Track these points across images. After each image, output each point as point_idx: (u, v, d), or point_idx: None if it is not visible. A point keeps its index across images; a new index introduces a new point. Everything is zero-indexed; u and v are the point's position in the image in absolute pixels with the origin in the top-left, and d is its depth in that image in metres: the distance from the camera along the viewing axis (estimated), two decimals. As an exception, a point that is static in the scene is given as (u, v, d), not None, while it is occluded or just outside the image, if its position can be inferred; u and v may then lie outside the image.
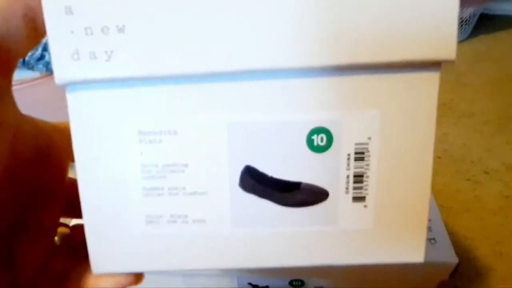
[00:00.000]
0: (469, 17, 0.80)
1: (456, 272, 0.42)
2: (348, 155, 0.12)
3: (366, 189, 0.12)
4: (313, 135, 0.12)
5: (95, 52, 0.11)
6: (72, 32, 0.11)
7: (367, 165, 0.12)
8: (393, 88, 0.11)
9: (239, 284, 0.34)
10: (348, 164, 0.12)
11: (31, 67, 0.40)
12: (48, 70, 0.41)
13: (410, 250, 0.12)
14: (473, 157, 0.55)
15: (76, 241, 0.15)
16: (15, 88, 0.46)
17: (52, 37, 0.11)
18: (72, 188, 0.14)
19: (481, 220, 0.47)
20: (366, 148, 0.12)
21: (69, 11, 0.11)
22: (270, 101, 0.11)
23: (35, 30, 0.11)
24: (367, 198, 0.12)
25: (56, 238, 0.15)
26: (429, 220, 0.33)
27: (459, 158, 0.55)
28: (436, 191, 0.50)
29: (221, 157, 0.12)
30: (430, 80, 0.11)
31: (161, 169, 0.12)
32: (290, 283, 0.34)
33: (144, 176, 0.12)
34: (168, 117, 0.11)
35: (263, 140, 0.12)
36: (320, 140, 0.12)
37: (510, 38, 0.84)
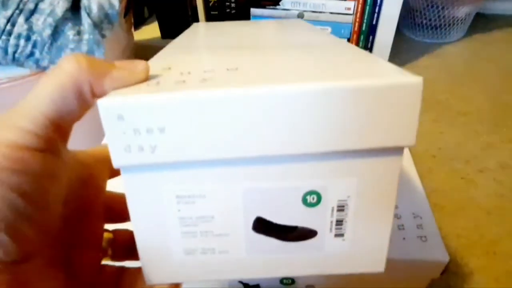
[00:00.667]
0: (465, 16, 0.80)
1: (447, 270, 0.41)
2: (332, 208, 0.16)
3: (345, 229, 0.17)
4: (307, 195, 0.16)
5: (143, 146, 0.15)
6: (124, 133, 0.14)
7: (346, 214, 0.17)
8: (368, 165, 0.16)
9: (230, 283, 0.34)
10: (332, 214, 0.17)
11: (21, 64, 0.40)
12: (38, 67, 0.41)
13: (375, 264, 0.18)
14: (468, 156, 0.55)
15: (120, 243, 0.19)
16: (5, 86, 0.46)
17: (109, 136, 0.15)
18: (109, 199, 0.18)
19: (475, 219, 0.46)
20: (346, 203, 0.16)
21: (121, 118, 0.14)
22: (276, 174, 0.16)
23: (84, 101, 0.15)
24: (345, 234, 0.17)
25: (103, 243, 0.18)
26: (420, 218, 0.33)
27: (454, 156, 0.55)
28: (430, 190, 0.50)
29: (239, 211, 0.16)
30: (395, 159, 0.16)
31: (194, 220, 0.16)
32: (281, 281, 0.34)
33: (181, 225, 0.16)
34: (198, 186, 0.16)
35: (270, 200, 0.16)
36: (312, 199, 0.16)
37: (505, 37, 0.84)
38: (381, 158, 0.15)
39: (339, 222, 0.17)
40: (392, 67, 0.15)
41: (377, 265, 0.18)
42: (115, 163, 0.15)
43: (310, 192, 0.16)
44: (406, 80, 0.14)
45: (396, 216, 0.33)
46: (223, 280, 0.33)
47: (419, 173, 0.37)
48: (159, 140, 0.14)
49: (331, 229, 0.17)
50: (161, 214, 0.16)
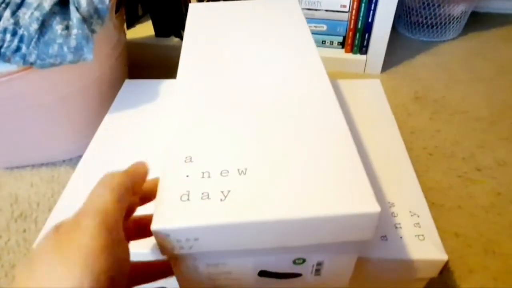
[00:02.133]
0: (460, 15, 0.80)
1: (446, 269, 0.41)
2: (313, 265, 0.24)
3: (321, 272, 0.25)
4: (296, 260, 0.24)
5: (183, 246, 0.20)
6: (170, 241, 0.20)
7: (322, 266, 0.24)
8: (337, 246, 0.23)
9: None
10: (313, 267, 0.24)
11: (7, 59, 0.39)
12: (25, 62, 0.39)
13: (341, 283, 0.26)
14: (465, 154, 0.54)
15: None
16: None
17: (158, 241, 0.20)
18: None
19: (473, 217, 0.46)
20: (322, 262, 0.24)
21: (168, 235, 0.20)
22: (276, 252, 0.23)
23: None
24: (321, 274, 0.25)
25: None
26: (418, 216, 0.32)
27: (451, 154, 0.54)
28: (428, 188, 0.49)
29: (249, 269, 0.24)
30: (357, 242, 0.22)
31: (218, 274, 0.24)
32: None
33: (209, 276, 0.24)
34: (221, 259, 0.23)
35: (271, 263, 0.24)
36: (299, 261, 0.24)
37: (501, 35, 0.84)
38: (347, 242, 0.22)
39: (317, 270, 0.25)
40: (362, 183, 0.22)
41: (343, 284, 0.27)
42: (163, 253, 0.21)
43: (298, 259, 0.24)
44: (366, 210, 0.20)
45: (393, 215, 0.32)
46: None
47: (416, 171, 0.36)
48: (194, 244, 0.20)
49: (311, 273, 0.25)
50: (196, 272, 0.23)
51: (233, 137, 0.25)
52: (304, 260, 0.24)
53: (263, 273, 0.24)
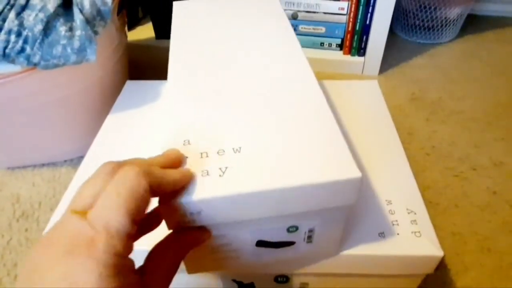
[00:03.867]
0: (457, 17, 0.81)
1: (442, 267, 0.41)
2: (305, 232, 0.26)
3: (312, 239, 0.27)
4: (289, 228, 0.25)
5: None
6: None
7: (313, 233, 0.26)
8: (326, 211, 0.25)
9: (224, 282, 0.34)
10: (305, 234, 0.26)
11: (11, 60, 0.39)
12: (30, 63, 0.40)
13: (332, 252, 0.29)
14: (461, 154, 0.55)
15: None
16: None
17: (165, 216, 0.22)
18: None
19: (469, 216, 0.47)
20: (314, 229, 0.26)
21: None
22: (271, 221, 0.24)
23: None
24: (313, 241, 0.27)
25: None
26: (414, 214, 0.33)
27: (448, 154, 0.55)
28: (425, 187, 0.50)
29: (247, 239, 0.26)
30: (343, 206, 0.24)
31: (218, 246, 0.26)
32: (276, 279, 0.34)
33: (212, 247, 0.26)
34: (221, 231, 0.25)
35: (267, 232, 0.25)
36: (292, 229, 0.26)
37: (496, 37, 0.85)
38: (335, 208, 0.24)
39: (309, 237, 0.27)
40: (344, 154, 0.23)
41: (333, 252, 0.29)
42: (170, 228, 0.23)
43: (292, 226, 0.25)
44: (349, 176, 0.22)
45: (390, 212, 0.33)
46: (218, 280, 0.33)
47: (413, 171, 0.37)
48: (198, 217, 0.22)
49: (304, 240, 0.27)
50: None
51: (226, 121, 0.27)
52: (297, 228, 0.25)
53: (260, 243, 0.26)
